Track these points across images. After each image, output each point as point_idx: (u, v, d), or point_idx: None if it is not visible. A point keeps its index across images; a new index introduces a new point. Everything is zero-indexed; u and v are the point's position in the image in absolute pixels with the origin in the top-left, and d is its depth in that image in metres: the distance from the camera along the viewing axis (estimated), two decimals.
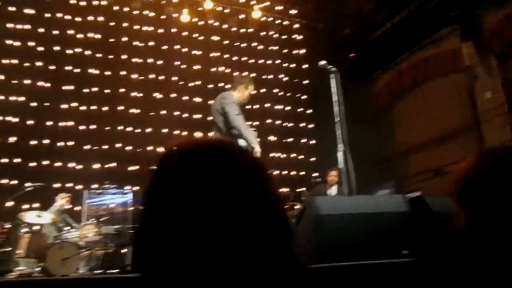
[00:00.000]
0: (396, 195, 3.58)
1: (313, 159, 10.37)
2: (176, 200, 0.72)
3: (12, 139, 8.34)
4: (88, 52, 9.32)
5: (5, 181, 8.03)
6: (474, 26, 8.32)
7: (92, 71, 9.28)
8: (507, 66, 8.00)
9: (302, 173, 10.09)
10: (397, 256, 3.12)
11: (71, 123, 8.82)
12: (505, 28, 7.89)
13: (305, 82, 10.86)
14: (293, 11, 10.86)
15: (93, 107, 9.09)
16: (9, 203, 6.89)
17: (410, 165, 9.75)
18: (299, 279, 0.77)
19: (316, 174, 9.78)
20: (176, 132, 9.56)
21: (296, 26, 11.08)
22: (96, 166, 8.78)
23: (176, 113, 9.74)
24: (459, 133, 8.57)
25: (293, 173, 9.99)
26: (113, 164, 8.88)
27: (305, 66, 10.96)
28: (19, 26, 8.94)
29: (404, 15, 9.40)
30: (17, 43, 8.84)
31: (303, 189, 7.54)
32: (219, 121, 5.14)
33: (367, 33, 10.40)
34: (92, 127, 8.96)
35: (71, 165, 8.61)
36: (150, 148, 9.25)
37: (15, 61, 8.70)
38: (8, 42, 8.76)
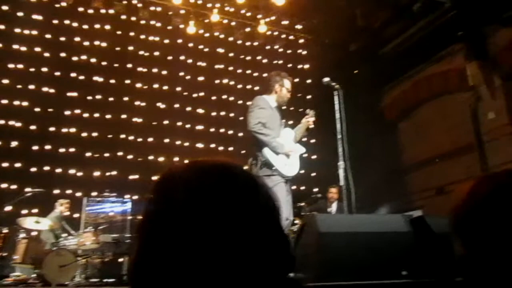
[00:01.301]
0: (397, 215, 3.56)
1: (313, 174, 10.34)
2: (178, 223, 0.73)
3: (14, 144, 8.35)
4: (93, 60, 9.38)
5: (5, 185, 8.04)
6: (480, 46, 8.34)
7: (97, 78, 9.34)
8: None
9: (302, 187, 10.04)
10: (397, 277, 3.10)
11: (73, 130, 8.85)
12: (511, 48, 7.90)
13: (308, 97, 10.87)
14: (299, 26, 10.93)
15: (96, 115, 9.13)
16: (8, 208, 6.86)
17: (414, 181, 9.75)
18: None
19: (316, 190, 9.74)
20: (178, 142, 9.59)
21: (302, 41, 11.15)
22: (97, 173, 8.78)
23: (179, 123, 9.77)
24: (463, 152, 8.55)
25: (293, 187, 9.92)
26: (114, 172, 8.89)
27: (309, 81, 11.00)
28: (26, 32, 9.00)
29: (412, 32, 9.44)
30: (24, 48, 8.89)
31: (303, 204, 7.48)
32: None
33: (376, 48, 10.44)
34: (95, 134, 8.99)
35: (71, 171, 8.61)
36: (151, 157, 9.27)
37: (20, 66, 8.75)
38: (15, 46, 8.81)
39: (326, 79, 5.01)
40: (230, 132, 10.15)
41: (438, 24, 8.80)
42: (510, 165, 7.03)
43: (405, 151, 10.32)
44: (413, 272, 3.14)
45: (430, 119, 9.63)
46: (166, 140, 9.51)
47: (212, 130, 10.02)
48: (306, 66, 11.21)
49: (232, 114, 10.31)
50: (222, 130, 10.08)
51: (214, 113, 10.21)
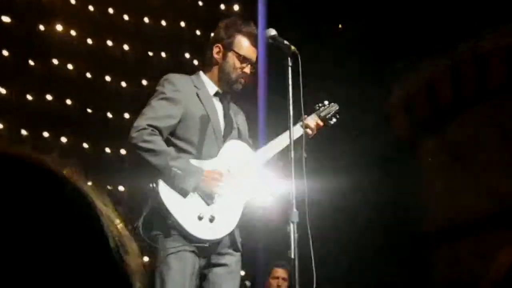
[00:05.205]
0: None
1: None
2: None
3: None
4: None
5: None
6: None
7: None
8: None
9: None
10: None
11: None
12: None
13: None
14: None
15: None
16: None
17: (450, 255, 9.71)
18: None
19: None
20: None
21: None
22: None
23: None
24: None
25: None
26: None
27: None
28: None
29: None
30: None
31: None
32: None
33: None
34: None
35: None
36: None
37: None
38: None
39: (272, 33, 4.55)
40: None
41: None
42: None
43: (429, 197, 10.20)
44: None
45: (480, 139, 9.60)
46: None
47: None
48: (236, 8, 10.75)
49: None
50: (64, 140, 9.32)
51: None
